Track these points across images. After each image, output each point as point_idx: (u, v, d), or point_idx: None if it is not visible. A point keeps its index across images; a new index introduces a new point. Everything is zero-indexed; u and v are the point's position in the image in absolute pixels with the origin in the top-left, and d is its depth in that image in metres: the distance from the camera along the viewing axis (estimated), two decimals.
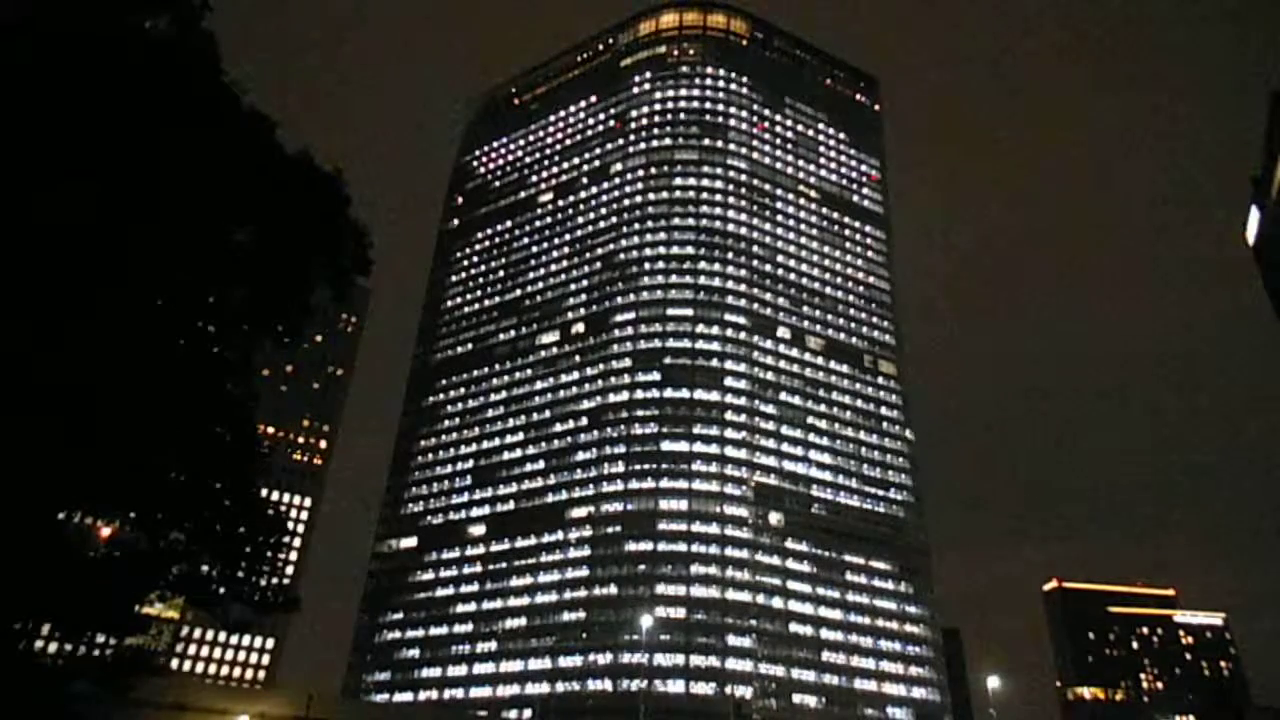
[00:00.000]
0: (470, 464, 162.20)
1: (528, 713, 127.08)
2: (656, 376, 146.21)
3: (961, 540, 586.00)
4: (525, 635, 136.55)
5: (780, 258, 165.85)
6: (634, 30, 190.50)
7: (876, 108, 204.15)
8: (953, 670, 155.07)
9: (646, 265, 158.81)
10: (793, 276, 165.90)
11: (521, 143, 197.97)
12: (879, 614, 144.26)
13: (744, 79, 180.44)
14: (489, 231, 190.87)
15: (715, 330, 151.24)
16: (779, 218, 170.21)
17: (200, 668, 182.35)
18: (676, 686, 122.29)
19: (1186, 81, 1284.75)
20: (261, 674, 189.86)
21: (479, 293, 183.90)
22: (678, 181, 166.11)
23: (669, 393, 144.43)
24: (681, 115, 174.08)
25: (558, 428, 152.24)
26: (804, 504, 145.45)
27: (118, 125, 16.50)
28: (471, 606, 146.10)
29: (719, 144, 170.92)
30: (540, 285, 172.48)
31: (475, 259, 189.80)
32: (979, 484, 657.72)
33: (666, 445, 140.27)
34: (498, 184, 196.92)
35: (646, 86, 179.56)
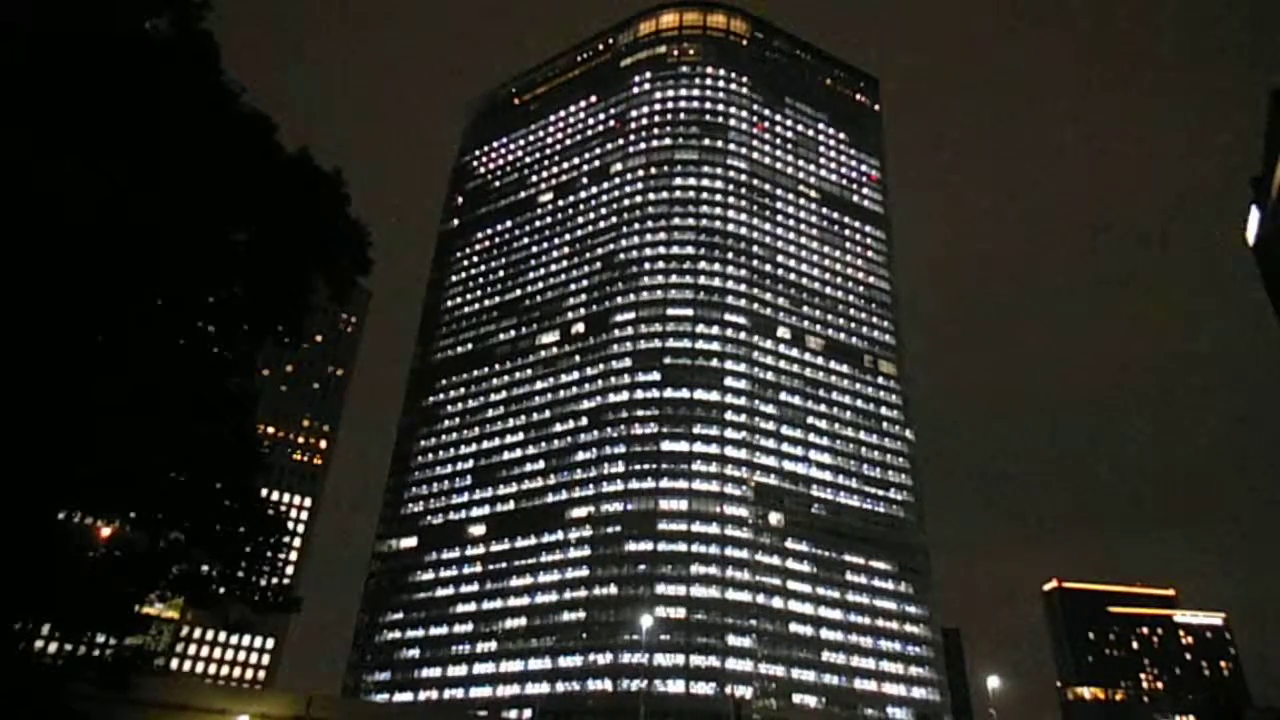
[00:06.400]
0: (470, 464, 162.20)
1: (528, 713, 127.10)
2: (656, 376, 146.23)
3: (961, 540, 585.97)
4: (525, 635, 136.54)
5: (780, 258, 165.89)
6: (634, 30, 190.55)
7: (876, 108, 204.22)
8: (953, 670, 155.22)
9: (646, 265, 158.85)
10: (793, 276, 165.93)
11: (521, 143, 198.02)
12: (879, 614, 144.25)
13: (744, 79, 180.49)
14: (489, 231, 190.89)
15: (715, 330, 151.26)
16: (779, 218, 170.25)
17: (200, 668, 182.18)
18: (676, 686, 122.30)
19: (1187, 81, 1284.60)
20: (261, 674, 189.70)
21: (479, 293, 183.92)
22: (678, 181, 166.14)
23: (669, 393, 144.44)
24: (681, 115, 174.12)
25: (558, 428, 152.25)
26: (804, 504, 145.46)
27: (117, 125, 16.50)
28: (471, 606, 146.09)
29: (719, 144, 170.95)
30: (540, 285, 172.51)
31: (475, 259, 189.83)
32: (979, 484, 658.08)
33: (666, 445, 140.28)
34: (498, 184, 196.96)
35: (646, 86, 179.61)
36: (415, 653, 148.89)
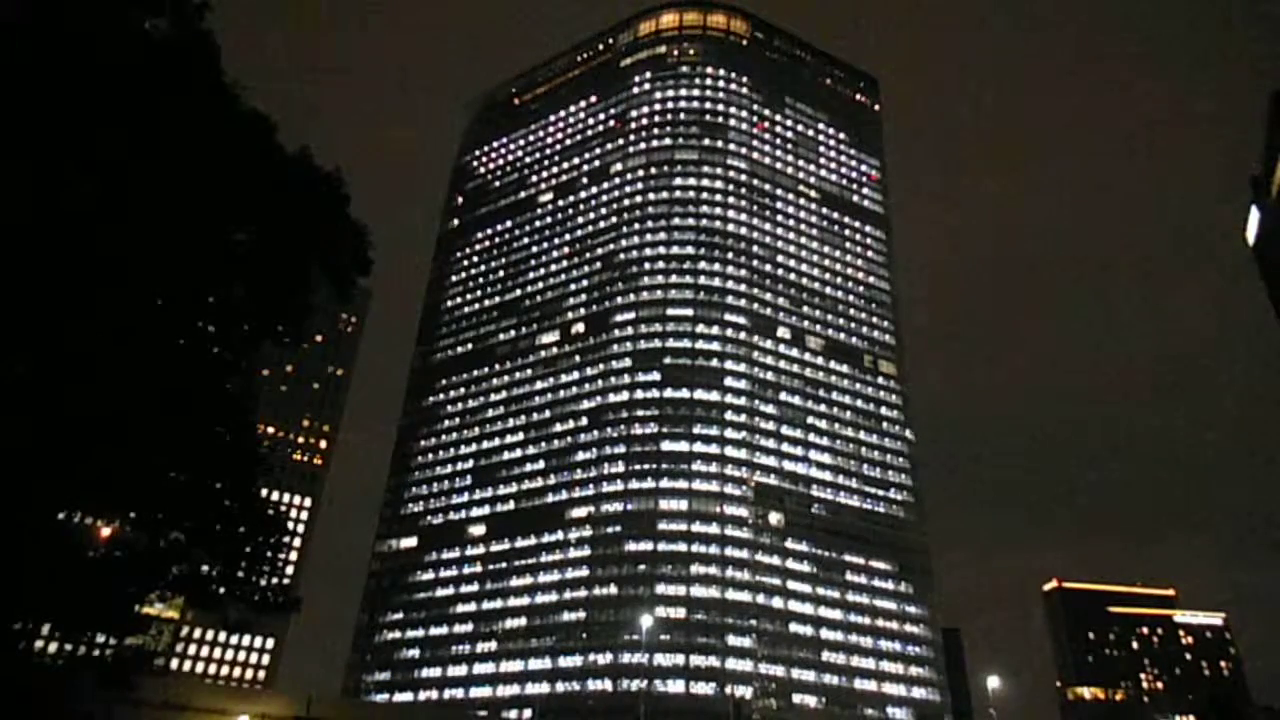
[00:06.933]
0: (470, 464, 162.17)
1: (528, 713, 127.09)
2: (656, 376, 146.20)
3: (961, 540, 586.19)
4: (525, 635, 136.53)
5: (780, 258, 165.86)
6: (634, 30, 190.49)
7: (876, 108, 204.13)
8: (953, 670, 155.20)
9: (646, 265, 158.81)
10: (793, 276, 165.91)
11: (521, 143, 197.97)
12: (879, 614, 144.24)
13: (744, 79, 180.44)
14: (489, 231, 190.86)
15: (715, 330, 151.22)
16: (779, 218, 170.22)
17: (200, 668, 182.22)
18: (676, 686, 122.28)
19: (1187, 81, 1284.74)
20: (261, 674, 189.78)
21: (479, 293, 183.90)
22: (678, 181, 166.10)
23: (669, 393, 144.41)
24: (681, 115, 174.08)
25: (558, 428, 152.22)
26: (804, 504, 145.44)
27: (117, 125, 16.49)
28: (471, 606, 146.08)
29: (719, 144, 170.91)
30: (540, 285, 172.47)
31: (475, 259, 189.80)
32: (979, 484, 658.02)
33: (666, 445, 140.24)
34: (498, 184, 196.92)
35: (646, 86, 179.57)
36: (415, 653, 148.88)
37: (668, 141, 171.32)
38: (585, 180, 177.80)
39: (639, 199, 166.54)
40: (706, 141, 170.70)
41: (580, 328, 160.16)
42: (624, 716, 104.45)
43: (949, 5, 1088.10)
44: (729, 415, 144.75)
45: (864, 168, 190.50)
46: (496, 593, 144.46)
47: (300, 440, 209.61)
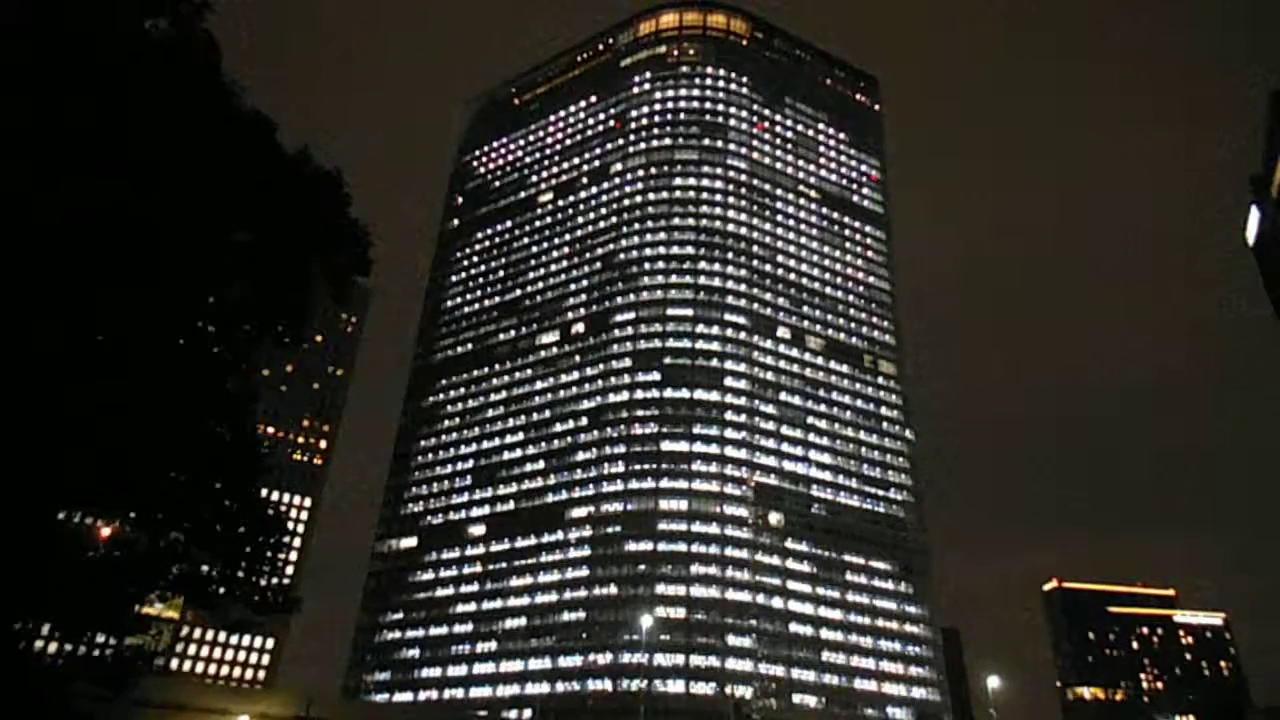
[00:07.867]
0: (470, 464, 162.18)
1: (528, 713, 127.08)
2: (656, 376, 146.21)
3: (961, 540, 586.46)
4: (525, 635, 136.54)
5: (780, 258, 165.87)
6: (634, 30, 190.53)
7: (876, 108, 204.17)
8: (953, 670, 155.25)
9: (646, 265, 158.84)
10: (793, 276, 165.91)
11: (521, 143, 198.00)
12: (879, 614, 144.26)
13: (744, 79, 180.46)
14: (489, 231, 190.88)
15: (715, 330, 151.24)
16: (779, 218, 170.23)
17: (200, 668, 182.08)
18: (676, 686, 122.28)
19: (1187, 82, 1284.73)
20: (261, 674, 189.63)
21: (479, 293, 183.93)
22: (678, 181, 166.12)
23: (669, 393, 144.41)
24: (681, 115, 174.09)
25: (558, 428, 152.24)
26: (804, 504, 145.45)
27: (117, 126, 16.50)
28: (471, 606, 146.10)
29: (719, 144, 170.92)
30: (540, 285, 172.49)
31: (475, 259, 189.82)
32: (979, 484, 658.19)
33: (666, 445, 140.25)
34: (498, 184, 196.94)
35: (646, 86, 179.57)
36: (415, 653, 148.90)
37: (668, 141, 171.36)
38: (585, 180, 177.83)
39: (639, 199, 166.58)
40: (706, 141, 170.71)
41: (580, 328, 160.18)
42: (624, 716, 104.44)
43: (949, 5, 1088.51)
44: (729, 415, 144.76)
45: (864, 168, 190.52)
46: (496, 593, 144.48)
47: (300, 440, 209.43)
